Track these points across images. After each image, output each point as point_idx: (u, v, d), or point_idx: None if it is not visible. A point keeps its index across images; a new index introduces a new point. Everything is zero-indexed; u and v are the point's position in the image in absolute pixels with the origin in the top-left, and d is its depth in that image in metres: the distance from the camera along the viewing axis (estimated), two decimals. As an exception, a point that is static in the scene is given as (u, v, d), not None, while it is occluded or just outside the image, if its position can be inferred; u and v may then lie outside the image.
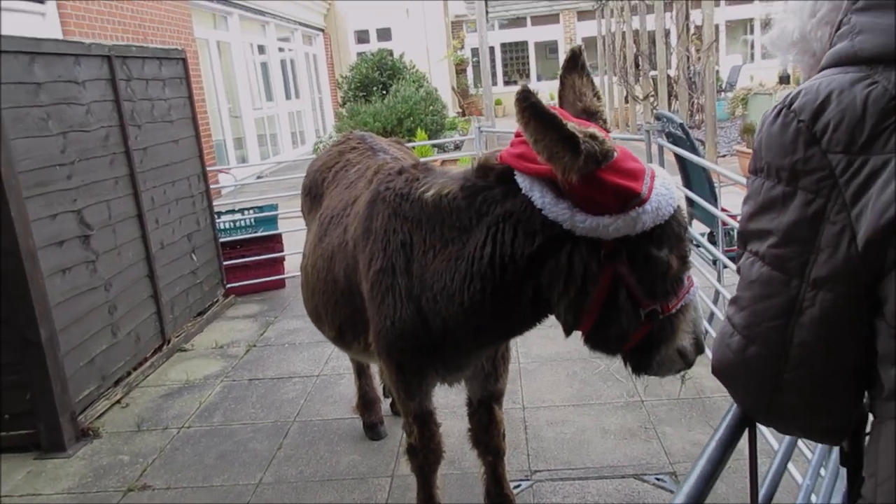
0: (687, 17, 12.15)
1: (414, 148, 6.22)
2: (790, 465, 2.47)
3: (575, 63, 1.98)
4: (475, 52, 21.27)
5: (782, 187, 1.00)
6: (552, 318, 2.06)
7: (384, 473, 3.25)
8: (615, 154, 1.69)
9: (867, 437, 1.09)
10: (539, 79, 24.54)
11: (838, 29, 1.04)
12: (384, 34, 20.29)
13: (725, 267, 3.68)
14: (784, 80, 12.61)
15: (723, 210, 3.90)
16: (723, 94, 16.06)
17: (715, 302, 4.10)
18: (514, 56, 25.43)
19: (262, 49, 15.53)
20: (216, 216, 5.98)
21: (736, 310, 1.09)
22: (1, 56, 3.43)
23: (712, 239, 4.36)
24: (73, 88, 4.06)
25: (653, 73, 13.22)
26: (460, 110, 21.51)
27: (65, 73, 3.99)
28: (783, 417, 1.12)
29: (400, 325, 2.15)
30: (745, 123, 10.42)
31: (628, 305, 1.76)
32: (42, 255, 3.60)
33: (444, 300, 2.02)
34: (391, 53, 15.58)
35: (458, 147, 13.12)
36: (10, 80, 3.53)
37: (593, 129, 1.69)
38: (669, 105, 12.81)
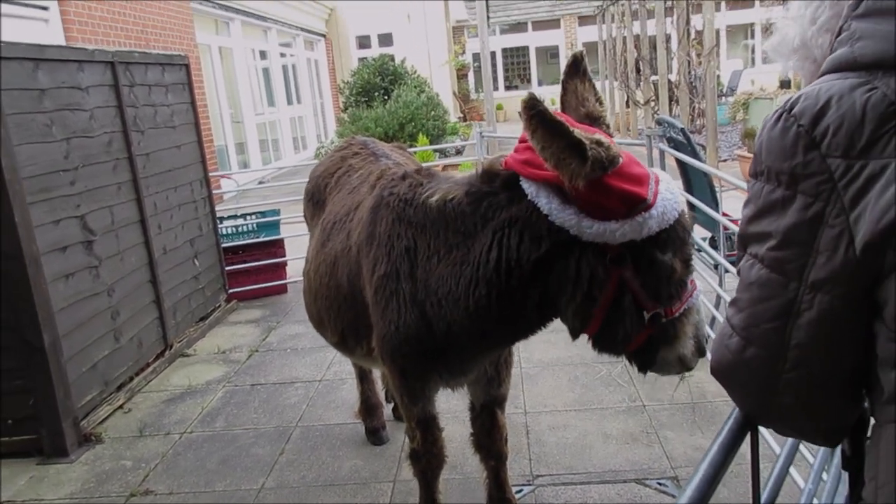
0: (688, 22, 12.18)
1: (415, 153, 6.23)
2: (792, 469, 2.47)
3: (577, 68, 1.99)
4: (476, 57, 21.31)
5: (782, 191, 1.01)
6: (553, 324, 2.07)
7: (386, 478, 3.25)
8: (621, 160, 1.71)
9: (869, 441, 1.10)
10: (540, 83, 24.58)
11: (839, 35, 1.05)
12: (386, 39, 20.33)
13: (727, 271, 3.69)
14: (785, 84, 12.63)
15: (724, 215, 3.90)
16: (724, 98, 16.07)
17: (717, 306, 4.10)
18: (516, 61, 25.47)
19: (263, 54, 15.57)
20: (218, 221, 5.99)
21: (735, 311, 1.10)
22: (1, 62, 3.44)
23: (714, 243, 4.37)
24: (77, 94, 4.08)
25: (654, 77, 13.25)
26: (461, 115, 21.54)
27: (68, 79, 4.01)
28: (781, 418, 1.13)
29: (404, 330, 2.16)
30: (746, 128, 10.44)
31: (633, 309, 1.78)
32: (45, 260, 3.62)
33: (449, 305, 2.03)
34: (393, 59, 15.64)
35: (459, 152, 13.16)
36: (15, 87, 3.55)
37: (599, 135, 1.71)
38: (670, 110, 12.83)
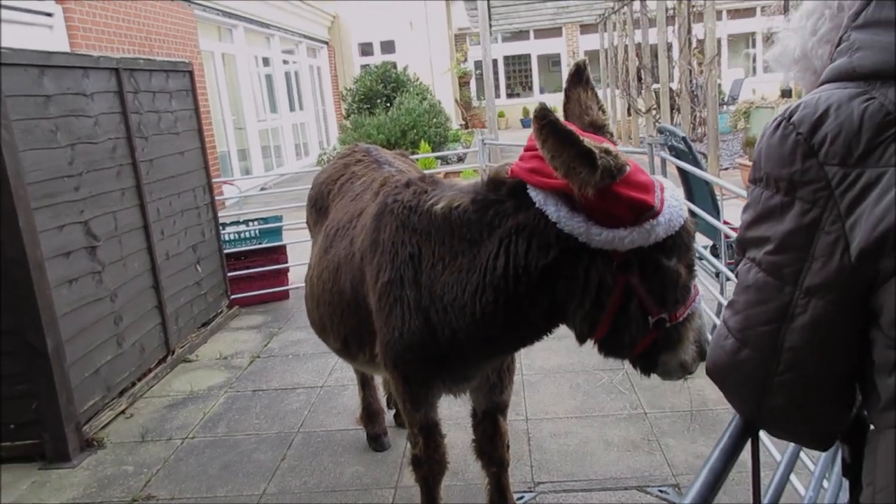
0: (689, 31, 12.21)
1: (417, 160, 6.26)
2: (793, 477, 2.47)
3: (580, 77, 2.01)
4: (478, 64, 21.37)
5: (780, 197, 1.03)
6: (555, 331, 2.09)
7: (388, 484, 3.25)
8: (628, 168, 1.73)
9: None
10: (542, 91, 24.63)
11: (839, 45, 1.07)
12: (388, 47, 20.40)
13: (728, 279, 3.70)
14: (786, 94, 12.64)
15: (725, 223, 3.92)
16: (725, 107, 16.11)
17: (718, 314, 4.11)
18: (517, 69, 25.53)
19: (266, 61, 15.63)
20: (221, 227, 6.01)
21: (731, 313, 1.12)
22: (1, 67, 3.45)
23: (715, 251, 4.38)
24: (82, 101, 4.10)
25: (655, 86, 13.27)
26: (463, 122, 21.59)
27: (73, 85, 4.04)
28: (773, 420, 1.14)
29: (408, 337, 2.17)
30: (748, 137, 10.46)
31: (639, 314, 1.81)
32: (49, 265, 3.63)
33: (454, 311, 2.04)
34: (395, 66, 15.68)
35: (461, 159, 13.18)
36: (21, 93, 3.57)
37: (607, 143, 1.74)
38: (672, 118, 12.86)
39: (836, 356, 1.04)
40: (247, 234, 6.38)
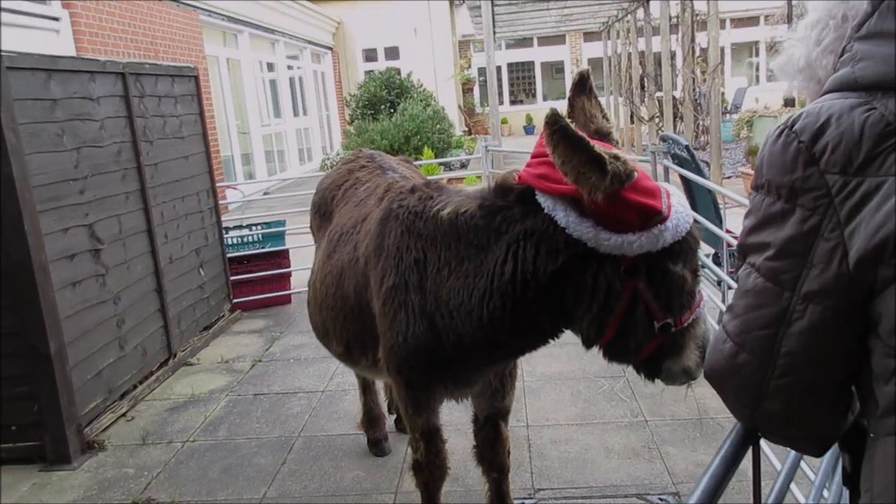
0: (692, 40, 12.26)
1: (421, 166, 6.27)
2: (793, 486, 2.47)
3: (583, 86, 2.03)
4: (482, 71, 21.43)
5: (781, 204, 1.05)
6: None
7: (388, 489, 3.26)
8: (636, 174, 1.74)
9: None
10: (545, 98, 24.69)
11: (842, 55, 1.08)
12: (392, 53, 20.47)
13: (730, 288, 3.70)
14: (789, 103, 12.67)
15: (727, 231, 3.92)
16: (728, 115, 16.14)
17: (719, 322, 4.11)
18: (521, 76, 25.59)
19: (271, 66, 15.69)
20: (224, 231, 6.02)
21: (730, 317, 1.14)
22: (6, 71, 3.48)
23: (717, 260, 4.38)
24: (88, 105, 4.13)
25: (658, 94, 13.31)
26: (467, 129, 21.64)
27: (80, 89, 4.06)
28: (770, 425, 1.16)
29: (412, 342, 2.18)
30: (750, 145, 10.48)
31: (645, 319, 1.82)
32: (53, 268, 3.65)
33: (461, 316, 2.05)
34: (399, 72, 15.75)
35: (464, 165, 13.21)
36: (27, 97, 3.60)
37: (615, 150, 1.75)
38: (675, 126, 12.88)
39: (833, 362, 1.06)
40: (250, 238, 6.40)
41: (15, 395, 3.60)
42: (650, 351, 1.86)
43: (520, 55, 25.00)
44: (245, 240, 6.39)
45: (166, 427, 4.06)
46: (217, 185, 6.02)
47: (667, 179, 4.49)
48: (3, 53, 3.42)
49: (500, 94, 22.97)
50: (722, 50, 12.61)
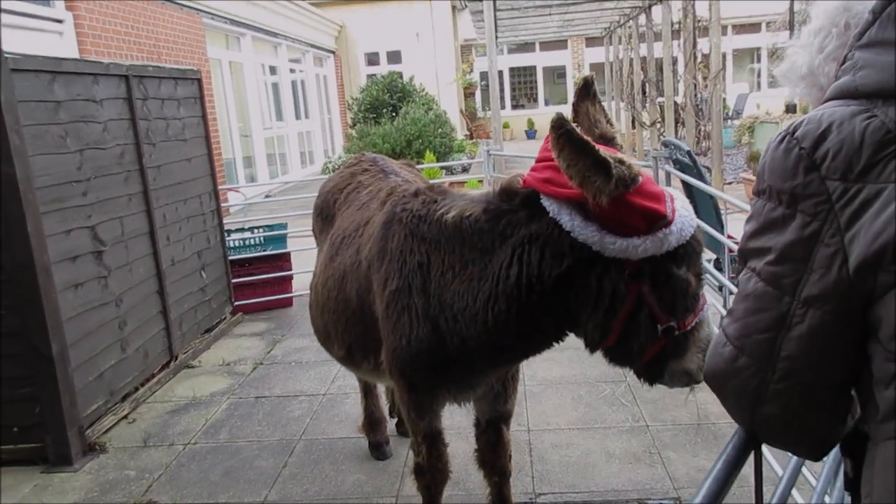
0: (694, 46, 12.27)
1: (422, 170, 6.29)
2: (794, 492, 2.47)
3: (587, 91, 2.04)
4: (484, 75, 21.48)
5: (782, 209, 1.06)
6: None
7: (389, 493, 3.26)
8: (641, 178, 1.75)
9: None
10: (547, 103, 24.71)
11: (843, 63, 1.09)
12: (394, 57, 20.50)
13: (731, 293, 3.70)
14: (790, 109, 12.67)
15: (729, 237, 3.93)
16: (729, 121, 16.14)
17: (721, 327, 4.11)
18: (523, 80, 25.63)
19: (273, 70, 15.72)
20: (226, 234, 6.03)
21: (730, 321, 1.15)
22: (9, 73, 3.48)
23: (718, 265, 4.39)
24: (91, 107, 4.14)
25: (660, 99, 13.32)
26: (468, 133, 21.66)
27: (83, 91, 4.08)
28: (769, 429, 1.16)
29: (416, 345, 2.18)
30: (752, 151, 10.49)
31: (648, 322, 1.82)
32: (56, 269, 3.66)
33: (465, 320, 2.06)
34: (401, 76, 15.77)
35: (465, 169, 13.20)
36: (31, 98, 3.61)
37: (620, 154, 1.77)
38: (676, 132, 12.89)
39: (832, 366, 1.06)
40: (251, 241, 6.41)
41: (17, 396, 3.61)
42: (653, 354, 1.87)
43: (522, 60, 25.04)
44: (247, 242, 6.39)
45: (167, 429, 4.06)
46: (219, 187, 6.03)
47: (668, 185, 4.50)
48: (7, 55, 3.43)
49: (502, 98, 22.94)
50: (724, 56, 12.62)
